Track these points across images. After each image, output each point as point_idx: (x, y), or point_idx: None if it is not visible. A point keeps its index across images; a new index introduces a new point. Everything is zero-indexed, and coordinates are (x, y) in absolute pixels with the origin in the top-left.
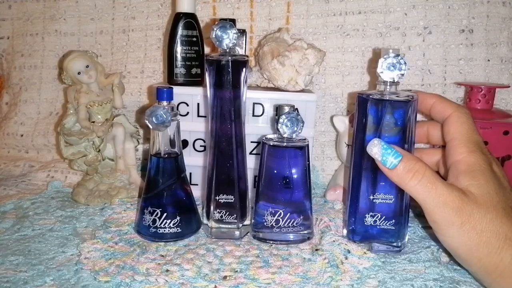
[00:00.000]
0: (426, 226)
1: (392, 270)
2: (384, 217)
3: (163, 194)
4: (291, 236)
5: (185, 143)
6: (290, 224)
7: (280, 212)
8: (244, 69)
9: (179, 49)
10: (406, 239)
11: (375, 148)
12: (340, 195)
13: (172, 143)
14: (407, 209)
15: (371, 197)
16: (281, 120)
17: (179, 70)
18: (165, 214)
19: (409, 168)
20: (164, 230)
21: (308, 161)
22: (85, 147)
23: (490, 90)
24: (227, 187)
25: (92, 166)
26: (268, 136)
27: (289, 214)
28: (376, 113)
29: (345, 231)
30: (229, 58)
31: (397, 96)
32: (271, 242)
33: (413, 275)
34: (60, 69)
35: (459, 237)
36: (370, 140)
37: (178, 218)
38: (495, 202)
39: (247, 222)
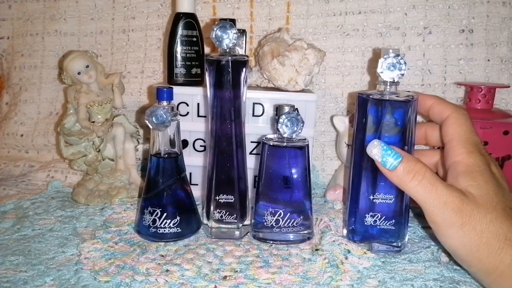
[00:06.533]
0: (426, 226)
1: (392, 270)
2: (384, 217)
3: (163, 194)
4: (291, 236)
5: (185, 143)
6: (290, 224)
7: (280, 212)
8: (244, 69)
9: (179, 49)
10: (406, 239)
11: (375, 149)
12: (340, 195)
13: (172, 143)
14: (407, 209)
15: (371, 197)
16: (281, 120)
17: (179, 70)
18: (165, 214)
19: (409, 169)
20: (164, 230)
21: (308, 162)
22: (85, 147)
23: (490, 90)
24: (227, 187)
25: (92, 166)
26: (268, 136)
27: (289, 214)
28: (376, 113)
29: (345, 231)
30: (229, 58)
31: (397, 96)
32: (271, 242)
33: (413, 275)
34: (60, 69)
35: (459, 238)
36: (370, 141)
37: (178, 218)
38: (494, 202)
39: (247, 222)
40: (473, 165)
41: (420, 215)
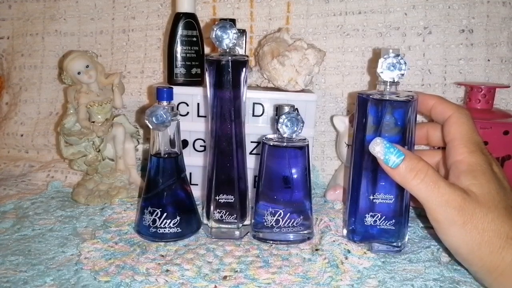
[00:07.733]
0: (426, 226)
1: (392, 270)
2: (384, 217)
3: (163, 194)
4: (291, 236)
5: (185, 143)
6: (290, 224)
7: (280, 212)
8: (244, 69)
9: (179, 49)
10: (406, 239)
11: (378, 147)
12: (340, 195)
13: (172, 143)
14: (407, 209)
15: (371, 197)
16: (281, 120)
17: (179, 70)
18: (165, 214)
19: (412, 167)
20: (164, 230)
21: (308, 162)
22: (85, 147)
23: (490, 90)
24: (227, 187)
25: (92, 166)
26: (268, 136)
27: (289, 214)
28: (376, 113)
29: (345, 231)
30: (229, 58)
31: (397, 96)
32: (271, 242)
33: (413, 275)
34: (60, 69)
35: (461, 236)
36: (371, 140)
37: (178, 218)
38: (496, 201)
39: (247, 222)
40: (475, 164)
41: (420, 215)
